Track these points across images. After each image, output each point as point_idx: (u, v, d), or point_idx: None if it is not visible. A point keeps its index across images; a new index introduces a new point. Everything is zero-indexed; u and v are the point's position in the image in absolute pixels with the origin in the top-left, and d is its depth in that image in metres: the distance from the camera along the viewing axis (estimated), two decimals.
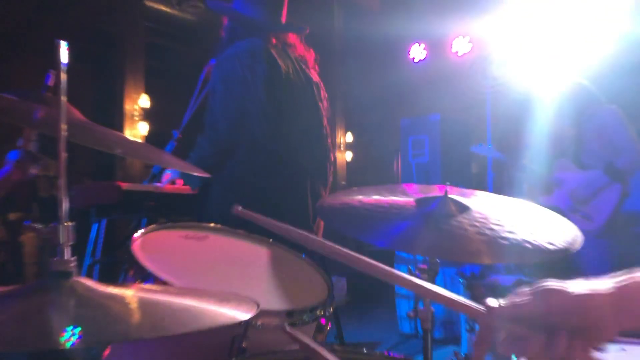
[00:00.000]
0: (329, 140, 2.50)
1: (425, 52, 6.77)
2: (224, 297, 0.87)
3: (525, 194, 3.98)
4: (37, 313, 0.68)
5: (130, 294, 0.81)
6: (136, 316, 0.75)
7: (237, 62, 2.25)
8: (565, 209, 3.62)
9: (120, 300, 0.77)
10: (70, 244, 0.78)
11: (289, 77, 2.34)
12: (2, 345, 0.59)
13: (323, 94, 2.54)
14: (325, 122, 2.50)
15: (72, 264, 0.77)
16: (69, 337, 0.61)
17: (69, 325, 0.64)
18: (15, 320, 0.65)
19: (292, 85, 2.35)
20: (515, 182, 4.16)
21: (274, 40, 2.37)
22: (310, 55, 2.52)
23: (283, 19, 2.48)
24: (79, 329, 0.63)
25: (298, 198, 2.33)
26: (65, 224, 0.78)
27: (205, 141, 2.28)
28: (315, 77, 2.50)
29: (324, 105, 2.52)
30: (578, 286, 0.80)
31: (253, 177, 2.25)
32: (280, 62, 2.32)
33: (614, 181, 3.42)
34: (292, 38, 2.48)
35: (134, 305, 0.77)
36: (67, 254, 0.78)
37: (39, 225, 0.82)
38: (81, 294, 0.74)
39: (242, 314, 0.81)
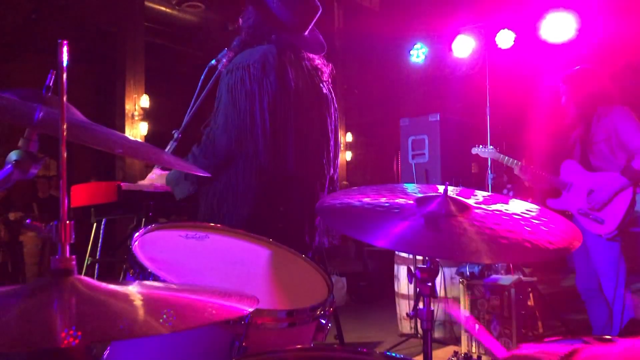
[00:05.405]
0: (331, 153, 2.42)
1: (425, 52, 6.76)
2: (225, 293, 0.87)
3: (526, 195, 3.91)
4: (39, 312, 0.67)
5: (132, 290, 0.81)
6: (139, 313, 0.74)
7: (246, 73, 2.17)
8: (575, 212, 3.47)
9: (123, 297, 0.76)
10: (70, 242, 0.78)
11: (298, 91, 2.27)
12: (6, 345, 0.59)
13: (333, 107, 2.47)
14: (330, 135, 2.43)
15: (72, 262, 0.77)
16: (72, 335, 0.60)
17: (71, 323, 0.63)
18: (17, 320, 0.65)
19: (300, 99, 2.28)
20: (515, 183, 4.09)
21: (289, 51, 2.30)
22: (327, 69, 2.46)
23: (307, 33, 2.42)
24: (82, 326, 0.63)
25: (292, 214, 2.25)
26: (66, 222, 0.78)
27: (200, 152, 2.19)
28: (327, 90, 2.45)
29: (332, 118, 2.45)
30: None
31: (248, 191, 2.18)
32: (291, 74, 2.26)
33: (631, 183, 3.24)
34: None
35: (136, 301, 0.76)
36: (67, 252, 0.78)
37: (40, 223, 0.83)
38: (83, 291, 0.74)
39: (244, 307, 0.81)
